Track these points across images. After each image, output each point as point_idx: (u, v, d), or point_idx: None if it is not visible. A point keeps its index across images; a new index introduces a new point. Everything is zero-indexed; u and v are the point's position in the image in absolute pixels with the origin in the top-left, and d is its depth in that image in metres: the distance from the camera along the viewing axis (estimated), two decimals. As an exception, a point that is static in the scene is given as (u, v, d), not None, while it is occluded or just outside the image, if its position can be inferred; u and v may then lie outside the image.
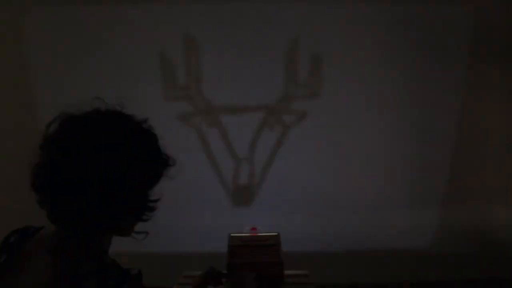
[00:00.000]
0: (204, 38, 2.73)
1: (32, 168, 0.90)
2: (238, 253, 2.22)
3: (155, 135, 1.01)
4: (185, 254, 2.92)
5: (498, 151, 3.00)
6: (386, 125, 2.91)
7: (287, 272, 2.25)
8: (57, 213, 0.90)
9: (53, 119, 0.93)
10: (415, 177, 3.01)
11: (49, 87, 2.80)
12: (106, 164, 0.88)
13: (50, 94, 2.81)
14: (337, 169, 2.96)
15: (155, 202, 1.01)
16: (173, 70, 2.75)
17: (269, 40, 2.74)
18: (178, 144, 2.99)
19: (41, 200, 0.91)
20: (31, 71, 2.78)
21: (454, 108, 2.89)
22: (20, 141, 2.90)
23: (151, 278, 3.06)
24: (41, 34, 2.72)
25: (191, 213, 2.96)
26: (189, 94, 2.79)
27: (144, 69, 2.75)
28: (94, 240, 0.93)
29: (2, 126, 2.89)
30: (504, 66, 2.85)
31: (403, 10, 2.73)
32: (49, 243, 0.91)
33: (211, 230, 3.00)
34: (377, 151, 2.95)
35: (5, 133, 2.90)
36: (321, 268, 2.90)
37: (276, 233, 2.42)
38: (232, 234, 2.41)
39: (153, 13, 2.68)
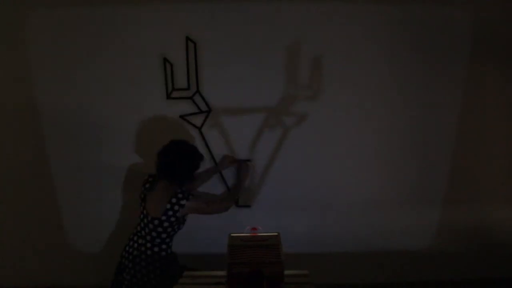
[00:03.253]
0: (204, 38, 2.73)
1: (156, 163, 2.46)
2: (238, 253, 2.22)
3: (196, 147, 2.56)
4: (185, 254, 2.92)
5: (498, 151, 3.00)
6: (386, 125, 2.91)
7: (287, 272, 2.25)
8: (164, 175, 2.46)
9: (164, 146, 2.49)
10: (415, 177, 3.01)
11: (51, 88, 2.80)
12: (179, 159, 2.44)
13: (51, 95, 2.82)
14: (337, 170, 2.97)
15: (194, 177, 2.57)
16: (174, 71, 2.76)
17: (270, 41, 2.74)
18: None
19: (159, 172, 2.46)
20: (33, 71, 2.78)
21: (454, 108, 2.90)
22: (20, 141, 2.91)
23: (151, 278, 3.03)
24: (43, 34, 2.73)
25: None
26: (191, 95, 2.80)
27: (146, 69, 2.76)
28: (175, 185, 2.48)
29: (2, 126, 2.89)
30: (504, 66, 2.85)
31: (403, 10, 2.73)
32: (162, 184, 2.48)
33: (211, 230, 3.01)
34: (377, 151, 2.95)
35: (5, 133, 2.90)
36: (321, 268, 2.91)
37: (276, 233, 2.42)
38: (232, 234, 2.41)
39: (154, 14, 2.69)
